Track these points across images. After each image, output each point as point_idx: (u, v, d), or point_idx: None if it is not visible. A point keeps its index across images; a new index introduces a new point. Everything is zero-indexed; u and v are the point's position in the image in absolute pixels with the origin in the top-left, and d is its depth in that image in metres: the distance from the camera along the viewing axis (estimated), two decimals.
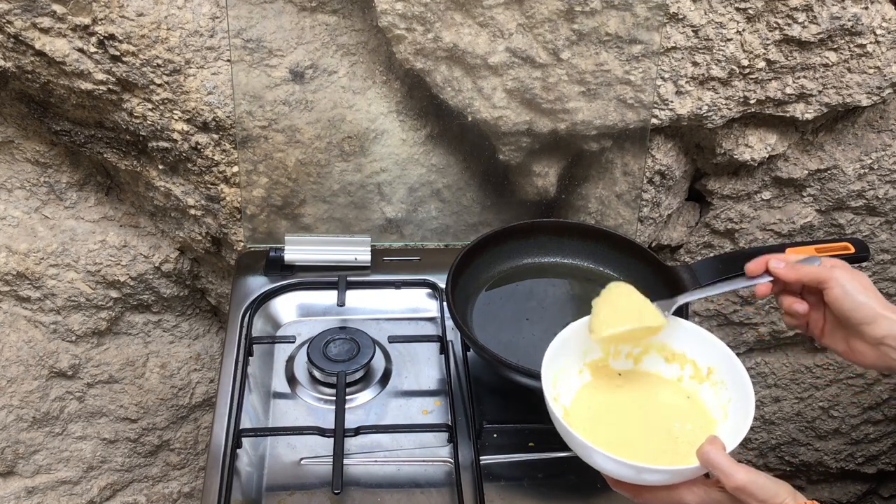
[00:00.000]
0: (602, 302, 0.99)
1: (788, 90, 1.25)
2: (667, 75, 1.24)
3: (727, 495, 0.79)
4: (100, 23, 1.12)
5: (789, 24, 1.19)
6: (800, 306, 0.92)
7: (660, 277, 1.14)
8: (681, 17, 1.19)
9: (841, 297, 0.86)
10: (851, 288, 0.86)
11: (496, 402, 1.11)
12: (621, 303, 0.99)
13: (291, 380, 1.13)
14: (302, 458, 1.03)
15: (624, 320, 0.95)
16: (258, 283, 1.26)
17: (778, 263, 0.91)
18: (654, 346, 0.98)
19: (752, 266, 0.93)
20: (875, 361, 0.87)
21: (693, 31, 1.20)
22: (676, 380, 0.97)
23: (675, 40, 1.21)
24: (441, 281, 1.18)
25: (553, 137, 1.28)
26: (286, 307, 1.25)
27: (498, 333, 1.13)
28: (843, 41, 1.21)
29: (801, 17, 1.18)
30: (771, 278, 0.92)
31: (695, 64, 1.23)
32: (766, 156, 1.34)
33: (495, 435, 1.06)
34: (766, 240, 1.47)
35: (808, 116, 1.28)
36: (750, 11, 1.18)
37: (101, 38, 1.13)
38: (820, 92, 1.26)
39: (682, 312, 1.07)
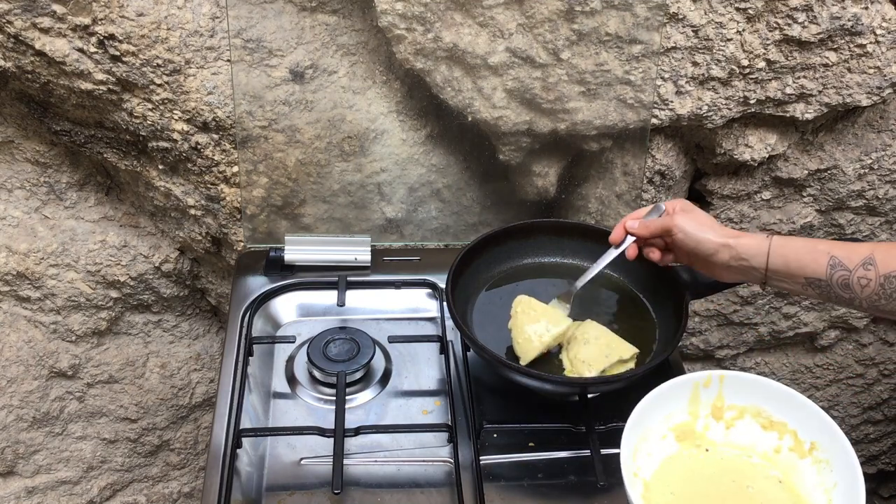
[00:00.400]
0: (513, 326, 1.09)
1: (788, 90, 1.25)
2: (667, 75, 1.24)
3: None
4: (100, 23, 1.12)
5: (789, 24, 1.19)
6: (653, 255, 1.05)
7: (659, 278, 1.14)
8: (681, 17, 1.19)
9: (684, 240, 0.99)
10: (690, 229, 0.99)
11: (496, 402, 1.11)
12: (524, 321, 1.08)
13: (291, 380, 1.13)
14: (302, 458, 1.03)
15: (537, 340, 1.06)
16: (258, 283, 1.26)
17: (633, 223, 1.04)
18: (750, 411, 0.92)
19: (615, 235, 1.06)
20: (734, 277, 0.99)
21: (693, 31, 1.20)
22: (774, 451, 0.90)
23: (675, 40, 1.21)
24: (441, 281, 1.18)
25: (553, 137, 1.28)
26: (286, 307, 1.25)
27: (498, 333, 1.13)
28: (843, 41, 1.21)
29: (801, 17, 1.18)
30: (634, 239, 1.05)
31: (695, 64, 1.23)
32: (766, 156, 1.34)
33: (495, 435, 1.06)
34: None
35: (808, 116, 1.28)
36: (750, 11, 1.18)
37: (101, 38, 1.13)
38: (820, 92, 1.26)
39: (680, 311, 1.07)
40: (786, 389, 0.90)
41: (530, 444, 1.06)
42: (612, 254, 1.08)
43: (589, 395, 1.07)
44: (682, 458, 0.91)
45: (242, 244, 1.36)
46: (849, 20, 1.18)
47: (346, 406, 1.06)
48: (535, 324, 1.08)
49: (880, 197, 1.41)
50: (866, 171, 1.37)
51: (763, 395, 0.91)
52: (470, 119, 1.25)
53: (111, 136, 1.29)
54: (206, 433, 1.72)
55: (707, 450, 0.92)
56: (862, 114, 1.34)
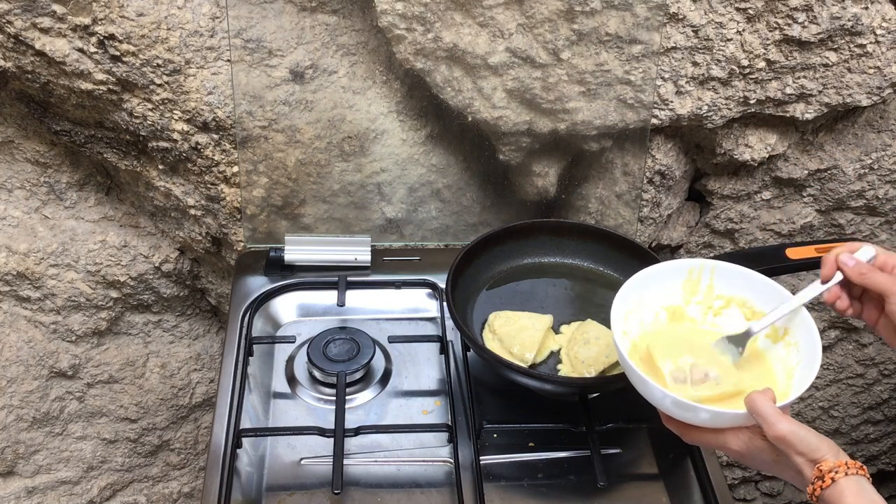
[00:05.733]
0: (502, 338, 1.10)
1: (788, 90, 1.25)
2: (667, 75, 1.24)
3: (770, 445, 0.79)
4: (100, 23, 1.12)
5: (789, 24, 1.19)
6: (841, 302, 0.90)
7: None
8: (681, 17, 1.19)
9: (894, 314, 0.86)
10: None
11: (496, 402, 1.11)
12: (508, 329, 1.11)
13: (291, 380, 1.13)
14: (302, 458, 1.03)
15: (530, 333, 1.08)
16: (258, 283, 1.26)
17: (848, 260, 0.88)
18: (737, 301, 0.98)
19: (826, 271, 0.90)
20: None
21: (693, 31, 1.20)
22: (752, 340, 0.95)
23: (675, 40, 1.21)
24: (441, 281, 1.18)
25: (553, 137, 1.28)
26: (286, 307, 1.25)
27: None
28: (843, 41, 1.21)
29: (801, 17, 1.18)
30: (840, 279, 0.89)
31: (695, 64, 1.23)
32: (766, 156, 1.34)
33: (495, 435, 1.06)
34: (766, 240, 1.47)
35: (808, 116, 1.28)
36: (750, 11, 1.18)
37: (101, 38, 1.13)
38: (820, 92, 1.26)
39: None
40: (769, 281, 0.96)
41: (530, 444, 1.06)
42: (814, 291, 0.91)
43: (589, 396, 1.07)
44: (671, 327, 0.99)
45: (242, 244, 1.36)
46: (849, 20, 1.18)
47: (346, 406, 1.06)
48: (521, 324, 1.11)
49: (880, 197, 1.41)
50: (866, 171, 1.37)
51: (749, 286, 0.97)
52: (470, 119, 1.25)
53: (111, 136, 1.29)
54: (206, 433, 1.72)
55: (692, 328, 0.99)
56: (862, 114, 1.34)
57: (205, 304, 1.60)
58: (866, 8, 1.18)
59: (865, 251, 0.90)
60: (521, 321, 1.11)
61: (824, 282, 0.90)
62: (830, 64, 1.23)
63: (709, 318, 0.99)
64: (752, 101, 1.27)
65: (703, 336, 0.96)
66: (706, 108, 1.27)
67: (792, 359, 0.91)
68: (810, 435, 0.77)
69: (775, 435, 0.76)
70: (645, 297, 0.98)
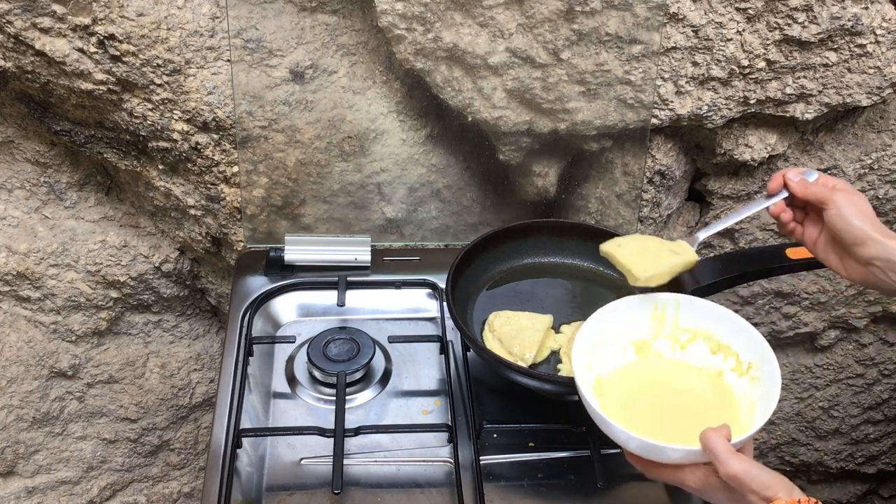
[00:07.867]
0: (501, 338, 1.09)
1: (788, 90, 1.25)
2: (667, 75, 1.24)
3: (724, 482, 0.80)
4: (100, 23, 1.12)
5: (789, 24, 1.19)
6: (785, 215, 0.98)
7: None
8: (681, 17, 1.19)
9: (836, 219, 0.92)
10: (847, 211, 0.91)
11: (496, 402, 1.11)
12: (509, 330, 1.10)
13: (291, 380, 1.13)
14: (302, 458, 1.03)
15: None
16: (258, 283, 1.26)
17: (794, 176, 0.96)
18: (702, 335, 0.99)
19: (773, 184, 0.98)
20: (864, 279, 0.93)
21: (693, 31, 1.20)
22: (717, 373, 0.97)
23: (675, 40, 1.21)
24: (441, 281, 1.18)
25: (553, 137, 1.28)
26: (286, 307, 1.25)
27: None
28: (843, 41, 1.21)
29: (801, 17, 1.18)
30: (786, 195, 0.97)
31: (695, 64, 1.23)
32: (766, 156, 1.34)
33: (495, 435, 1.06)
34: (766, 240, 1.48)
35: (808, 116, 1.28)
36: (750, 11, 1.18)
37: (101, 38, 1.14)
38: (820, 92, 1.26)
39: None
40: (732, 315, 0.98)
41: (530, 444, 1.06)
42: (761, 203, 1.00)
43: None
44: (640, 365, 1.00)
45: (242, 244, 1.36)
46: (849, 20, 1.18)
47: (346, 406, 1.06)
48: (521, 324, 1.10)
49: (880, 197, 1.41)
50: (866, 171, 1.37)
51: (713, 319, 0.99)
52: (470, 119, 1.25)
53: (111, 136, 1.29)
54: (206, 433, 1.72)
55: (659, 363, 1.00)
56: (862, 114, 1.34)
57: (205, 304, 1.60)
58: (866, 8, 1.18)
59: (808, 173, 0.97)
60: (521, 321, 1.11)
61: (770, 195, 0.98)
62: (830, 64, 1.23)
63: (676, 353, 1.00)
64: (752, 101, 1.27)
65: (670, 370, 0.99)
66: (706, 108, 1.27)
67: (755, 392, 0.93)
68: (763, 473, 0.78)
69: (727, 473, 0.78)
70: (611, 331, 0.98)
